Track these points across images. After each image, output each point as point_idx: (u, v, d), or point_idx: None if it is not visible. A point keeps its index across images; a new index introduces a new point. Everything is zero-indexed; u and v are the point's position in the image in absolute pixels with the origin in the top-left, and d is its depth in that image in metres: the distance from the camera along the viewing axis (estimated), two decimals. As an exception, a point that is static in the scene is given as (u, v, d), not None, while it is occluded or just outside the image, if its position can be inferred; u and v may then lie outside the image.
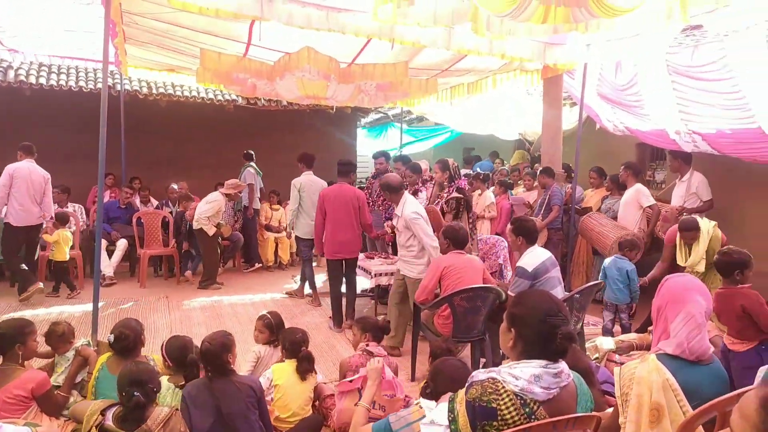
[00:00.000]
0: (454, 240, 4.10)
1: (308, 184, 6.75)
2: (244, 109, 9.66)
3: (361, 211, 5.71)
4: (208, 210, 7.22)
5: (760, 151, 5.10)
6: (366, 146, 14.04)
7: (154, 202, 8.39)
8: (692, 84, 5.01)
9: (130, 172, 8.52)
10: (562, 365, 1.62)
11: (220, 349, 2.64)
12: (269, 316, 3.61)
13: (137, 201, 8.25)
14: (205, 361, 2.67)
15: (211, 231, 7.23)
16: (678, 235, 4.71)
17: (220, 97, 9.26)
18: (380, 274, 5.55)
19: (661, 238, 5.68)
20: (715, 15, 4.14)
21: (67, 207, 7.54)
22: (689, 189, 5.76)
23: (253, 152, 8.78)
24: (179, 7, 4.24)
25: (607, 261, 5.02)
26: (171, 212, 8.04)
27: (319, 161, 10.77)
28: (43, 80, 8.05)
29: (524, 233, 4.09)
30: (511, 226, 4.29)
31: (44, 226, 6.62)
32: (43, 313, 5.86)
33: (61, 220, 6.70)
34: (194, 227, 7.31)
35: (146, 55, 6.68)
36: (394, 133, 13.20)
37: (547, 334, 1.59)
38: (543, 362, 1.58)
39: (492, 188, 7.92)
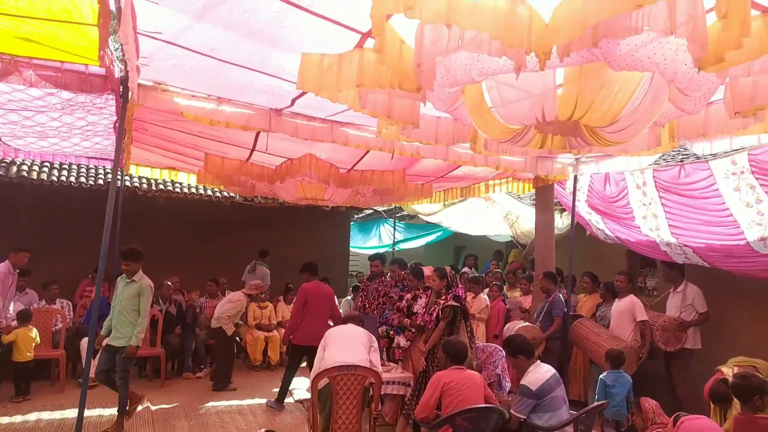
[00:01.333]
0: (453, 354, 4.03)
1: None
2: (240, 206, 9.81)
3: (333, 306, 6.57)
4: (230, 309, 7.29)
5: (750, 265, 5.22)
6: (357, 241, 14.14)
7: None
8: (680, 200, 5.22)
9: (117, 267, 8.45)
10: None
11: None
12: None
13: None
14: None
15: (230, 331, 7.27)
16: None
17: (218, 194, 9.42)
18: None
19: (661, 348, 5.65)
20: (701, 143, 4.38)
21: (56, 303, 7.36)
22: (685, 300, 5.80)
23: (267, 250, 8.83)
24: (191, 120, 4.43)
25: (608, 377, 4.93)
26: (161, 310, 7.88)
27: (311, 256, 10.79)
28: (44, 176, 8.17)
29: (521, 351, 4.06)
30: (506, 349, 4.26)
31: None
32: (19, 422, 5.54)
33: (23, 318, 6.38)
34: (213, 326, 7.38)
35: (150, 157, 6.85)
36: (385, 230, 13.37)
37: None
38: None
39: (486, 290, 7.92)
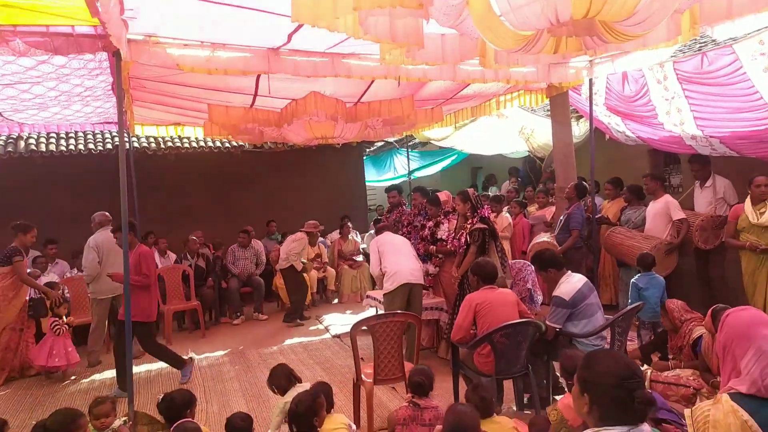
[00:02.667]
0: (483, 275, 4.04)
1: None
2: (251, 153, 9.73)
3: None
4: (296, 247, 7.82)
5: (781, 149, 5.05)
6: (372, 175, 14.05)
7: (172, 256, 8.38)
8: (705, 90, 4.99)
9: (144, 228, 8.54)
10: (645, 427, 1.56)
11: (308, 412, 2.76)
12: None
13: (156, 255, 8.25)
14: (295, 423, 2.78)
15: (299, 266, 7.82)
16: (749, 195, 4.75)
17: (227, 145, 9.33)
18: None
19: (702, 248, 5.59)
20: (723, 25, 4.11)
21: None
22: (716, 194, 5.66)
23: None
24: (188, 71, 4.28)
25: (639, 280, 4.93)
26: (190, 265, 8.03)
27: (328, 196, 10.92)
28: (53, 147, 8.14)
29: (551, 264, 4.05)
30: (535, 264, 4.25)
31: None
32: (72, 384, 5.82)
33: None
34: (282, 266, 7.85)
35: (153, 114, 6.74)
36: (399, 160, 13.22)
37: (624, 400, 1.53)
38: (625, 428, 1.52)
39: (507, 208, 7.88)
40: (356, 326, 3.94)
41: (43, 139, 8.31)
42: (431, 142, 11.49)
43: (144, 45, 4.03)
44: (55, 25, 3.65)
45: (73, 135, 8.71)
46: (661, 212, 5.89)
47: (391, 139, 12.88)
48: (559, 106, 6.75)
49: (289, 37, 4.14)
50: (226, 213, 9.96)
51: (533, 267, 4.44)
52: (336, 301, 9.16)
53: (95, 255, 6.23)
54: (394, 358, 3.91)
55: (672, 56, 5.17)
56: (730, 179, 5.77)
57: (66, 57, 4.14)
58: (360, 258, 9.37)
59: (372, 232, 9.59)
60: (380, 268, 5.21)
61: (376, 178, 14.19)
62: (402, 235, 6.24)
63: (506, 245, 7.26)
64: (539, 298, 5.73)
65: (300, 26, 3.85)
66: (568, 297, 3.83)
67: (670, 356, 4.31)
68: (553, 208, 7.32)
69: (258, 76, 5.18)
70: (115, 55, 4.06)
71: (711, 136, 5.36)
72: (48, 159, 8.15)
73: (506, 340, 3.67)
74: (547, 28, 3.06)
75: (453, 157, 12.51)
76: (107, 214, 6.57)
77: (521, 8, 2.94)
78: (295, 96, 5.69)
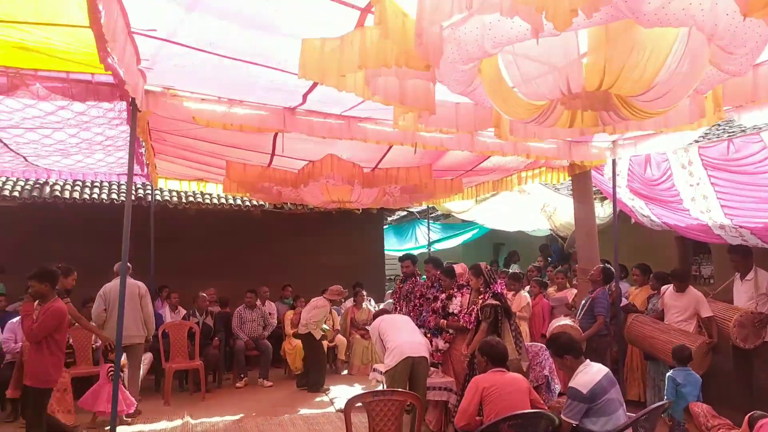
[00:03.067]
0: (492, 356, 3.74)
1: None
2: (271, 214, 9.74)
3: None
4: (317, 314, 7.58)
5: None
6: (392, 244, 13.92)
7: (182, 311, 8.23)
8: (732, 177, 4.78)
9: (159, 280, 8.48)
10: None
11: None
12: None
13: (167, 309, 8.12)
14: None
15: (317, 335, 7.57)
16: None
17: (247, 203, 9.38)
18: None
19: (741, 346, 5.15)
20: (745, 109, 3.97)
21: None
22: (758, 289, 5.21)
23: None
24: (203, 125, 4.31)
25: (677, 375, 4.52)
26: (198, 322, 7.85)
27: (346, 262, 10.76)
28: (76, 194, 8.29)
29: (567, 350, 3.72)
30: (550, 348, 3.94)
31: None
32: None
33: None
34: (301, 332, 7.62)
35: (175, 168, 6.83)
36: (421, 231, 13.10)
37: None
38: None
39: (527, 288, 7.56)
40: (350, 402, 3.64)
41: (68, 187, 8.48)
42: (453, 214, 11.39)
43: (161, 97, 4.09)
44: (75, 71, 3.74)
45: (98, 184, 8.88)
46: (687, 306, 5.46)
47: (413, 210, 12.88)
48: (582, 185, 6.59)
49: (304, 97, 4.15)
50: (242, 271, 9.85)
51: (550, 351, 4.10)
52: (345, 372, 8.77)
53: (102, 303, 6.16)
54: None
55: (697, 141, 5.01)
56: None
57: (84, 104, 4.23)
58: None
59: (390, 301, 9.32)
60: (384, 347, 4.97)
61: (397, 248, 14.03)
62: (413, 306, 6.00)
63: (524, 326, 6.89)
64: (557, 387, 5.32)
65: (314, 86, 3.87)
66: (585, 390, 3.46)
67: None
68: (574, 291, 6.98)
69: (275, 136, 5.20)
70: (132, 104, 4.13)
71: (741, 226, 5.08)
72: (71, 206, 8.28)
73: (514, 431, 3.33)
74: (561, 99, 2.97)
75: (474, 231, 12.33)
76: (128, 265, 6.52)
77: (533, 80, 2.86)
78: (313, 158, 5.70)
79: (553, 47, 2.61)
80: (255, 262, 10.11)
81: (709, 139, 5.24)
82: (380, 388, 5.49)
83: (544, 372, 5.35)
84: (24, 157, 5.90)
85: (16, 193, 8.08)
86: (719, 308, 5.41)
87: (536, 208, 8.95)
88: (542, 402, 3.81)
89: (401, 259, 6.86)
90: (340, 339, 8.77)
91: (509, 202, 8.98)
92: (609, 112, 3.02)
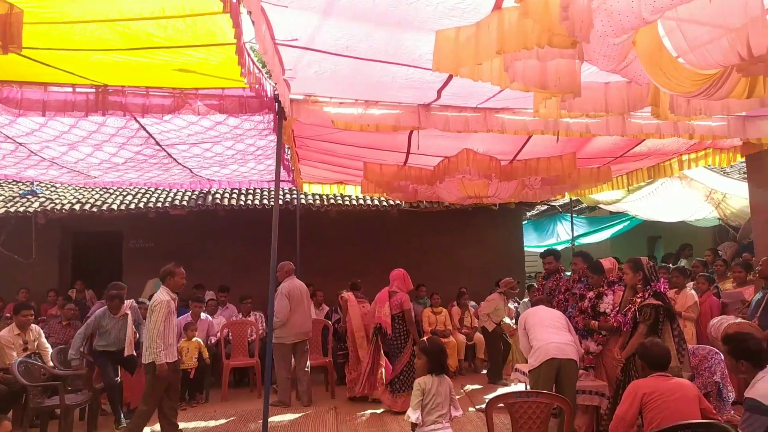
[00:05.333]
0: (651, 361, 3.35)
1: None
2: (407, 212, 9.84)
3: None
4: (486, 307, 7.90)
5: None
6: (532, 241, 13.33)
7: (325, 308, 8.61)
8: None
9: (303, 279, 8.97)
10: None
11: None
12: None
13: (312, 307, 8.55)
14: None
15: (490, 327, 7.77)
16: None
17: (384, 203, 9.57)
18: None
19: None
20: None
21: (250, 316, 8.03)
22: None
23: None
24: (342, 127, 4.43)
25: None
26: (339, 319, 8.14)
27: (483, 260, 10.51)
28: (234, 201, 9.09)
29: (745, 355, 3.19)
30: (727, 346, 3.40)
31: None
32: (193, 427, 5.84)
33: (186, 329, 6.66)
34: (478, 325, 8.14)
35: (318, 173, 7.17)
36: (563, 226, 12.39)
37: None
38: None
39: (692, 284, 6.75)
40: (492, 403, 3.50)
41: (227, 195, 9.33)
42: (600, 206, 10.60)
43: (304, 104, 4.27)
44: (229, 87, 4.04)
45: (251, 191, 9.66)
46: None
47: (555, 203, 12.21)
48: (759, 166, 5.74)
49: (439, 93, 4.08)
50: (380, 270, 10.07)
51: (724, 349, 3.55)
52: (485, 371, 8.56)
53: (287, 302, 6.58)
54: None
55: None
56: None
57: (238, 118, 4.57)
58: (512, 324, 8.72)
59: (526, 300, 8.94)
60: (529, 343, 4.71)
61: (536, 244, 13.43)
62: (557, 302, 5.63)
63: (690, 327, 6.17)
64: (731, 395, 4.66)
65: (448, 81, 3.77)
66: (767, 401, 2.97)
67: None
68: (752, 287, 6.09)
69: (410, 134, 5.20)
70: (278, 113, 4.37)
71: None
72: (229, 212, 9.09)
73: (683, 444, 2.95)
74: (737, 65, 2.55)
75: (625, 224, 11.35)
76: (291, 264, 6.99)
77: (703, 46, 2.49)
78: (448, 153, 5.61)
79: (729, 5, 2.25)
80: (392, 262, 10.25)
81: None
82: (522, 389, 5.25)
83: (715, 378, 4.70)
84: (189, 170, 6.57)
85: (185, 203, 9.06)
86: None
87: (701, 196, 7.97)
88: (714, 412, 3.33)
89: (543, 255, 6.50)
90: (479, 337, 8.56)
91: (668, 189, 8.11)
92: (803, 75, 2.54)
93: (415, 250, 10.37)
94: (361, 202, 9.66)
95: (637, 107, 3.58)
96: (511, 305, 9.23)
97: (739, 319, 5.27)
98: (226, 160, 6.17)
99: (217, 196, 9.26)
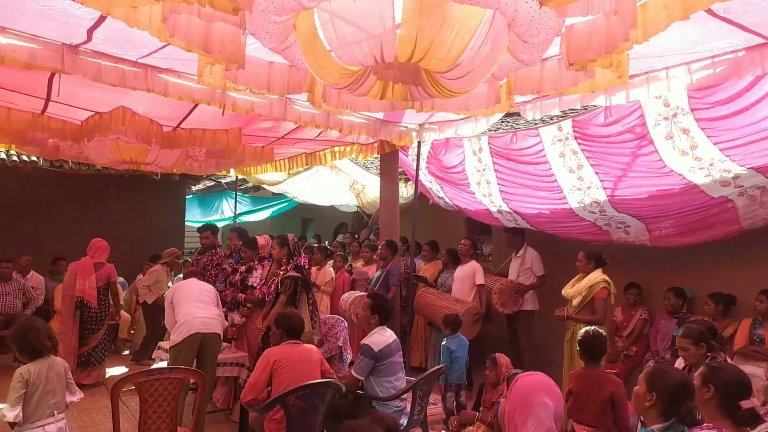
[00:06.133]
0: (288, 328, 3.66)
1: None
2: (47, 173, 8.33)
3: None
4: (146, 279, 7.39)
5: (573, 229, 5.56)
6: (197, 216, 13.06)
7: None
8: (512, 166, 5.37)
9: None
10: None
11: None
12: None
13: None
14: None
15: (150, 299, 7.21)
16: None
17: (15, 158, 7.86)
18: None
19: (499, 311, 5.84)
20: (531, 105, 4.46)
21: None
22: (524, 264, 6.00)
23: None
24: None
25: (451, 343, 4.91)
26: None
27: (142, 232, 9.75)
28: None
29: (380, 312, 3.91)
30: (370, 300, 4.05)
31: None
32: None
33: None
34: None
35: None
36: (229, 204, 12.50)
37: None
38: None
39: (331, 262, 7.66)
40: (119, 385, 3.22)
41: None
42: (264, 187, 11.06)
43: None
44: None
45: None
46: (467, 276, 6.11)
47: (222, 180, 12.22)
48: (389, 164, 6.84)
49: (90, 33, 3.54)
50: (7, 240, 8.32)
51: (367, 302, 4.15)
52: (127, 352, 7.97)
53: None
54: (165, 424, 3.26)
55: (489, 130, 5.52)
56: (543, 252, 6.10)
57: None
58: None
59: (180, 276, 8.69)
60: (174, 318, 4.55)
61: (201, 219, 13.19)
62: (209, 276, 5.61)
63: (326, 300, 6.98)
64: (348, 357, 5.46)
65: (101, 21, 3.31)
66: (376, 348, 3.71)
67: (480, 408, 4.28)
68: (375, 266, 7.28)
69: (51, 77, 4.38)
70: None
71: (515, 211, 5.75)
72: None
73: (302, 402, 3.29)
74: (374, 68, 2.96)
75: (284, 204, 12.15)
76: None
77: (349, 45, 2.79)
78: (100, 109, 4.95)
79: (369, 12, 2.57)
80: (26, 230, 8.63)
81: (497, 128, 5.81)
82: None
83: (338, 343, 5.45)
84: None
85: None
86: (491, 280, 6.17)
87: (346, 185, 9.12)
88: (332, 372, 3.88)
89: (200, 229, 6.40)
90: (124, 316, 7.92)
91: (322, 177, 9.00)
92: (418, 87, 3.10)
93: (57, 217, 8.93)
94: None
95: (296, 91, 3.81)
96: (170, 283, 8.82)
97: (360, 294, 6.21)
98: None
99: None
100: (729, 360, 3.49)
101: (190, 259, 7.20)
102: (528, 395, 2.04)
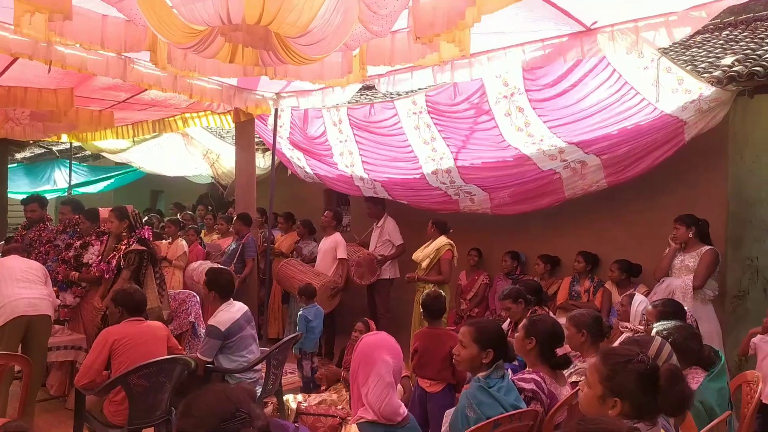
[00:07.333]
0: (129, 305, 3.41)
1: None
2: None
3: None
4: None
5: (424, 198, 5.87)
6: (23, 186, 11.53)
7: None
8: (371, 137, 5.50)
9: None
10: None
11: None
12: None
13: None
14: None
15: None
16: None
17: None
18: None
19: (358, 282, 5.96)
20: (387, 79, 4.57)
21: None
22: (383, 235, 6.11)
23: None
24: None
25: (309, 313, 4.95)
26: None
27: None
28: None
29: (217, 288, 3.76)
30: (205, 277, 3.90)
31: None
32: None
33: None
34: None
35: None
36: (63, 173, 11.21)
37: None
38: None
39: (182, 235, 7.26)
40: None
41: None
42: (104, 155, 10.07)
43: None
44: None
45: None
46: (329, 249, 6.13)
47: (53, 147, 10.89)
48: (245, 133, 6.62)
49: None
50: None
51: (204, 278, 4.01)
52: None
53: None
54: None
55: (348, 102, 5.58)
56: (403, 223, 6.19)
57: None
58: None
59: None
60: None
61: (28, 190, 11.67)
62: (38, 254, 5.01)
63: (179, 275, 6.62)
64: (202, 331, 5.27)
65: None
66: (223, 327, 3.60)
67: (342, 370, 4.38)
68: (230, 238, 7.06)
69: None
70: None
71: (375, 180, 5.92)
72: None
73: (146, 381, 3.11)
74: (221, 29, 2.82)
75: (127, 174, 11.19)
76: None
77: (192, 3, 2.62)
78: None
79: (214, -31, 2.43)
80: None
81: (356, 100, 5.89)
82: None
83: (190, 318, 5.23)
84: None
85: None
86: (353, 251, 6.22)
87: (199, 154, 8.64)
88: (181, 348, 3.73)
89: (25, 201, 5.63)
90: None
91: (171, 145, 8.43)
92: (269, 53, 3.02)
93: None
94: None
95: (135, 49, 3.50)
96: None
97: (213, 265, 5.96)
98: None
99: None
100: (552, 314, 3.95)
101: (14, 235, 6.35)
102: (370, 353, 2.15)
